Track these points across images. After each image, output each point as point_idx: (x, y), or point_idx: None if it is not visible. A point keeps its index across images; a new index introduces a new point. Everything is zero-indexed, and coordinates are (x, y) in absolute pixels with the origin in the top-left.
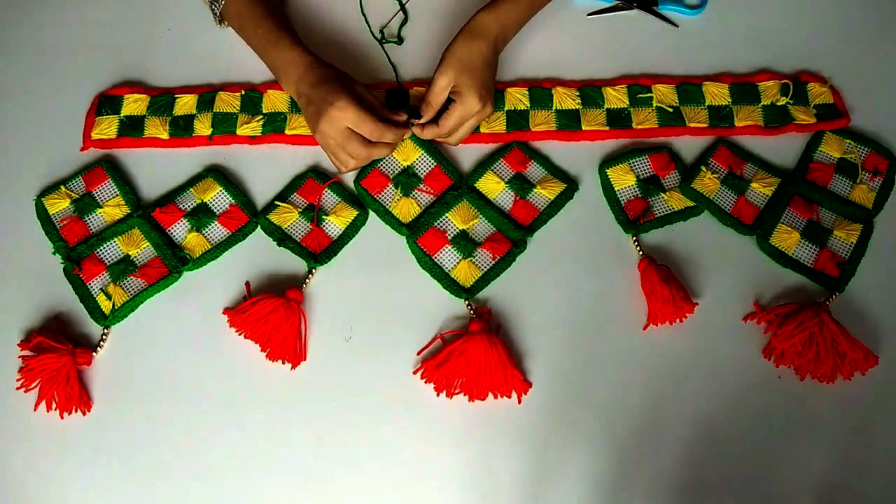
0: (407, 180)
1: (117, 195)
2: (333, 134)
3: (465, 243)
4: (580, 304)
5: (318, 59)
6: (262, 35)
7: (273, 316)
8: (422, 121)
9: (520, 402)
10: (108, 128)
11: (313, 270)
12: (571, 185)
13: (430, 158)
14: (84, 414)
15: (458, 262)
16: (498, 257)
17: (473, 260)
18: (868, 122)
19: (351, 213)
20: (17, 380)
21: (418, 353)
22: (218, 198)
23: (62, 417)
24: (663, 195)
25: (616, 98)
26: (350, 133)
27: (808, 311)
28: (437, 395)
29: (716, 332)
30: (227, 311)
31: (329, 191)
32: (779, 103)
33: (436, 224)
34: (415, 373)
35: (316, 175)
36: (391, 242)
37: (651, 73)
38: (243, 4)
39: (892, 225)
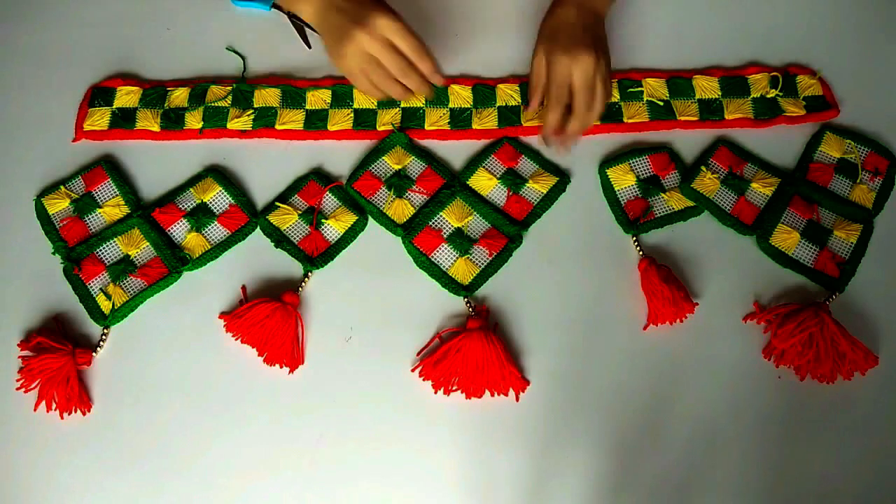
0: (399, 182)
1: (117, 195)
2: (370, 44)
3: (461, 241)
4: (580, 303)
5: None
6: None
7: (269, 320)
8: (529, 108)
9: (517, 399)
10: (100, 119)
11: (309, 274)
12: (563, 178)
13: (420, 162)
14: (84, 414)
15: (455, 260)
16: (494, 253)
17: (470, 257)
18: (856, 113)
19: (350, 218)
20: (17, 380)
21: (418, 355)
22: (218, 198)
23: (62, 417)
24: (663, 195)
25: None
26: (389, 45)
27: (808, 311)
28: (435, 392)
29: (716, 332)
30: (223, 315)
31: (330, 194)
32: (768, 96)
33: (430, 223)
34: (412, 370)
35: (318, 178)
36: (388, 244)
37: (641, 67)
38: None
39: (892, 225)
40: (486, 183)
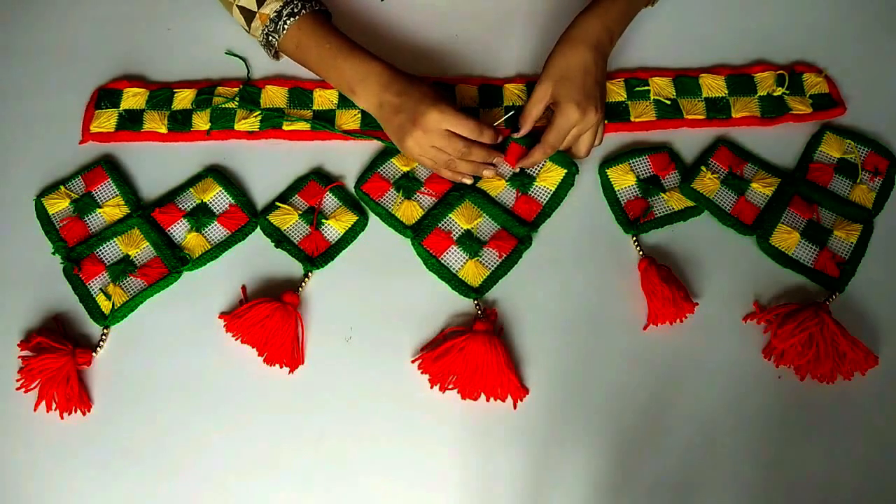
0: (408, 184)
1: (117, 195)
2: (433, 138)
3: (471, 243)
4: (580, 304)
5: (397, 69)
6: (331, 50)
7: (269, 321)
8: (520, 133)
9: (514, 407)
10: (107, 121)
11: (309, 274)
12: (571, 169)
13: None
14: (84, 414)
15: (464, 263)
16: (504, 255)
17: (480, 259)
18: (863, 111)
19: (351, 218)
20: (17, 380)
21: (422, 349)
22: (218, 198)
23: (62, 417)
24: (663, 195)
25: (614, 91)
26: (449, 134)
27: (808, 311)
28: (431, 387)
29: (716, 332)
30: (223, 315)
31: (330, 194)
32: (775, 94)
33: (440, 225)
34: (413, 362)
35: (318, 178)
36: (388, 244)
37: (647, 66)
38: (305, 27)
39: (892, 225)
40: (494, 183)
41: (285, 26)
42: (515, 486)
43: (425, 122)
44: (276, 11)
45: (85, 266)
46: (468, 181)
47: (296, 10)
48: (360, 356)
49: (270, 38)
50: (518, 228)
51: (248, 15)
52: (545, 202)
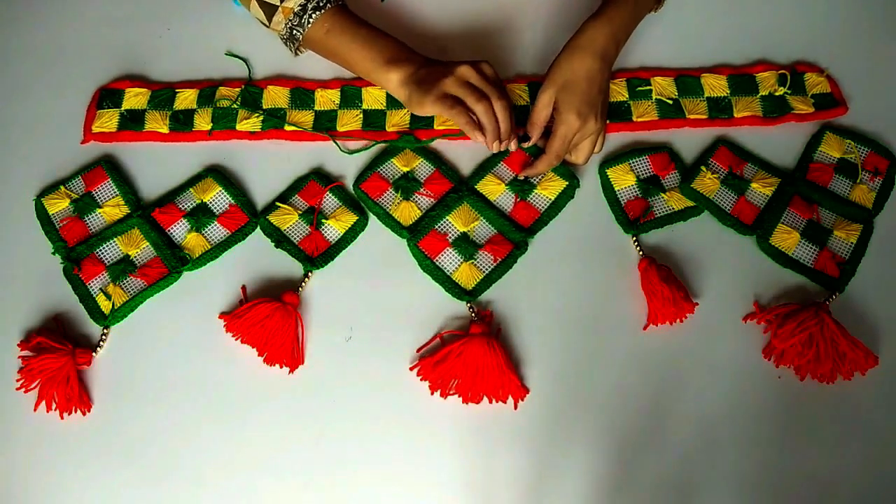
0: (407, 184)
1: (117, 195)
2: (470, 74)
3: (466, 246)
4: (580, 304)
5: None
6: (367, 35)
7: (269, 321)
8: (530, 142)
9: (515, 407)
10: (108, 121)
11: (309, 274)
12: (572, 182)
13: (429, 164)
14: (84, 414)
15: (459, 265)
16: (499, 259)
17: (475, 262)
18: (865, 111)
19: (351, 218)
20: (17, 380)
21: (418, 351)
22: (218, 198)
23: (62, 418)
24: (663, 195)
25: (616, 91)
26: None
27: (808, 311)
28: (432, 393)
29: (716, 332)
30: (223, 315)
31: (330, 194)
32: (777, 94)
33: (436, 227)
34: (411, 369)
35: (318, 178)
36: (388, 244)
37: (649, 65)
38: (335, 13)
39: (892, 225)
40: (494, 188)
41: (311, 19)
42: (516, 486)
43: (476, 63)
44: (300, 5)
45: (85, 266)
46: (479, 139)
47: (321, 4)
48: (360, 356)
49: (294, 31)
50: (514, 234)
51: (269, 9)
52: (543, 210)
